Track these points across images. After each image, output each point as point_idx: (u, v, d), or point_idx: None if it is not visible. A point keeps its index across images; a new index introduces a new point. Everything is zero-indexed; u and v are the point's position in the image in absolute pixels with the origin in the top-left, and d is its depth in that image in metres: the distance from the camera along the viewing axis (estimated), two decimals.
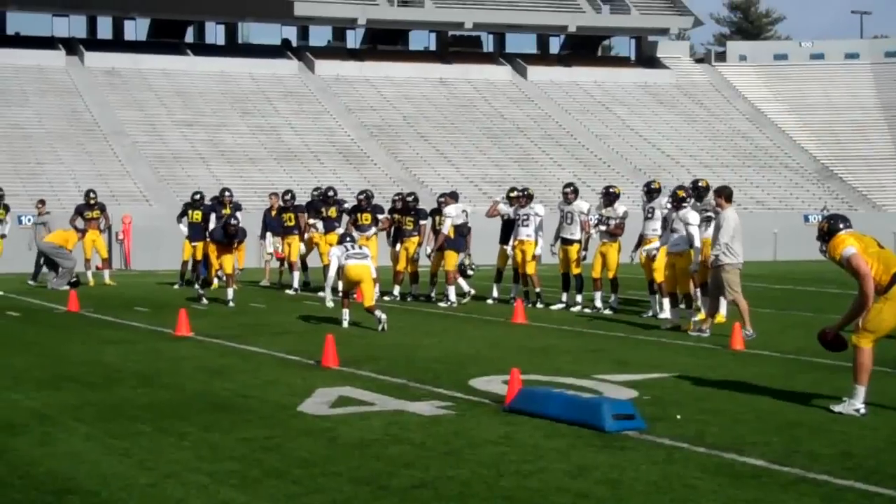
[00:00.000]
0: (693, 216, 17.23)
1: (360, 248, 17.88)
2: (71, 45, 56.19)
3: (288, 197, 25.37)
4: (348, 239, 18.22)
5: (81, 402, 10.59)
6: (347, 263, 17.28)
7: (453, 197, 22.66)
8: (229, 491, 7.27)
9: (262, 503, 7.00)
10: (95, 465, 7.98)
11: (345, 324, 17.22)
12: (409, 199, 23.31)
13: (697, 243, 17.09)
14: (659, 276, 18.48)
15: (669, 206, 18.01)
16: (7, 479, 7.56)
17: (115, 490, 7.27)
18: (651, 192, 19.75)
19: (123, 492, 7.22)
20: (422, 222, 23.08)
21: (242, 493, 7.23)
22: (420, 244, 22.86)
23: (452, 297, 21.65)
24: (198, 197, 26.20)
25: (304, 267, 25.51)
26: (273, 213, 25.91)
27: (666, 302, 18.15)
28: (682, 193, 17.63)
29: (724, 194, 16.48)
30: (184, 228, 25.96)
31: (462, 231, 22.03)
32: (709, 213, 18.21)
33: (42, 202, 28.94)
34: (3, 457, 8.21)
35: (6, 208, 25.41)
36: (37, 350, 14.78)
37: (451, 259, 21.79)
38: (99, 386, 11.62)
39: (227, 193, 26.05)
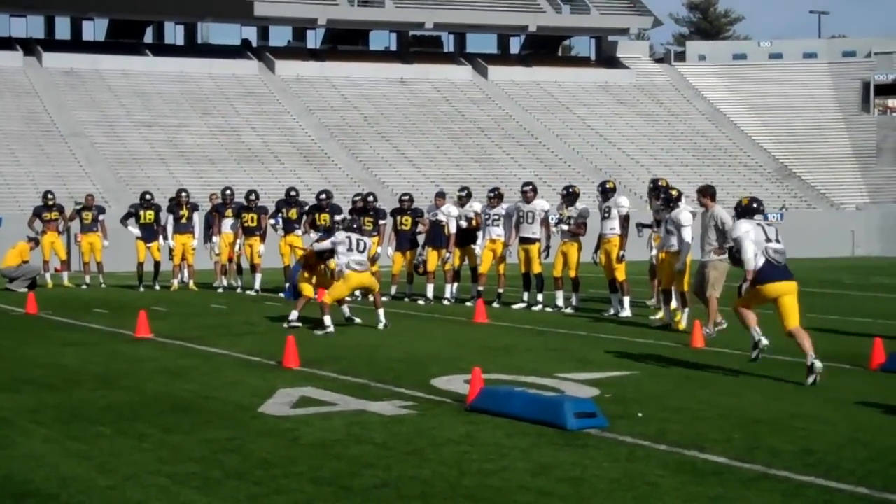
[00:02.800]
0: (685, 217, 17.23)
1: (362, 251, 17.24)
2: (28, 46, 55.81)
3: (252, 197, 25.26)
4: (356, 228, 18.18)
5: (40, 404, 10.50)
6: (351, 271, 17.01)
7: (443, 197, 22.62)
8: (190, 493, 7.21)
9: None
10: (54, 468, 7.90)
11: (331, 328, 16.82)
12: (369, 198, 23.30)
13: (687, 245, 17.08)
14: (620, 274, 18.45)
15: (661, 206, 18.05)
16: None
17: (74, 493, 7.20)
18: (606, 191, 19.80)
19: (83, 494, 7.15)
20: (381, 222, 23.06)
21: (203, 494, 7.18)
22: (380, 244, 22.85)
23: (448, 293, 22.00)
24: (148, 197, 26.04)
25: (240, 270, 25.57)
26: (228, 212, 25.50)
27: (625, 300, 18.19)
28: (674, 193, 17.67)
29: (710, 193, 16.51)
30: (133, 230, 25.79)
31: (440, 230, 22.07)
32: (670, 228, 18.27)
33: None
34: None
35: None
36: None
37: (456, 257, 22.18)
38: (58, 388, 11.51)
39: (183, 194, 25.94)
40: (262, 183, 41.94)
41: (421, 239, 22.86)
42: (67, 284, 26.85)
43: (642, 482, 7.46)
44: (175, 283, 25.65)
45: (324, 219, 23.35)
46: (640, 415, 9.77)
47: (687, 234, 17.01)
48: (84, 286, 26.45)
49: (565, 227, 20.16)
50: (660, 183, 19.10)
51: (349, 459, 8.12)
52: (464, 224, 21.82)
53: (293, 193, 24.84)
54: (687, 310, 17.43)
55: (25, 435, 9.09)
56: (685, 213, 17.26)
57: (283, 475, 7.65)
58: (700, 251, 16.35)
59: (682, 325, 17.07)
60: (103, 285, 26.44)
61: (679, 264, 16.98)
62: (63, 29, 60.37)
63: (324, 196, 23.78)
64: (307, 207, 24.51)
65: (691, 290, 16.68)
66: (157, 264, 25.69)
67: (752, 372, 12.67)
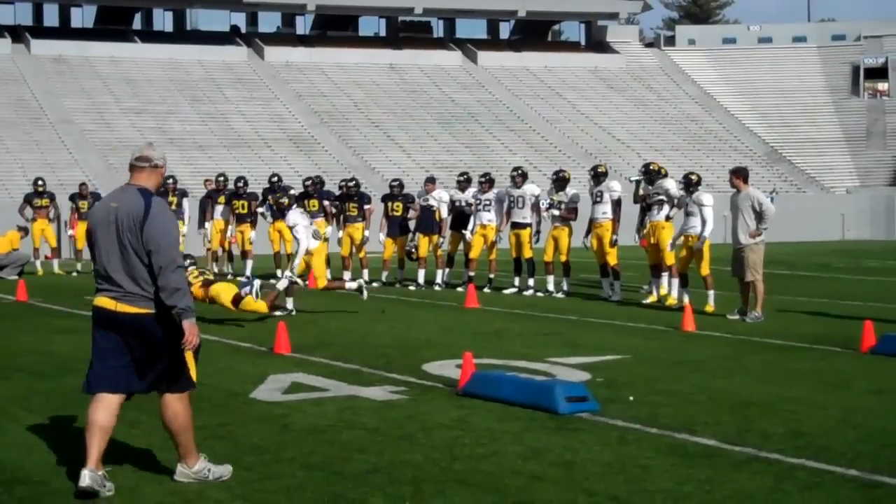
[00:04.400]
0: (707, 198, 17.30)
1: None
2: (17, 33, 55.62)
3: (241, 184, 25.21)
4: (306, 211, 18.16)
5: (30, 391, 10.49)
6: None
7: (433, 182, 22.60)
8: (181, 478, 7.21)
9: (215, 490, 6.95)
10: (45, 455, 7.90)
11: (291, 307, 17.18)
12: (351, 184, 23.30)
13: (711, 224, 17.12)
14: (669, 259, 18.35)
15: (682, 190, 18.07)
16: None
17: (65, 480, 7.20)
18: (598, 175, 19.81)
19: (74, 481, 7.14)
20: (366, 206, 23.06)
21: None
22: (366, 229, 22.89)
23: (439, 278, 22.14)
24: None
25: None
26: (222, 200, 25.57)
27: (675, 282, 18.18)
28: (694, 177, 17.69)
29: (743, 175, 16.47)
30: None
31: (432, 216, 22.06)
32: (661, 197, 18.32)
33: None
34: None
35: None
36: None
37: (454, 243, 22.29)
38: (48, 375, 11.51)
39: (170, 181, 25.86)
40: (252, 170, 41.86)
41: (412, 224, 22.86)
42: (58, 272, 26.80)
43: (633, 465, 7.48)
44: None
45: (313, 205, 23.33)
46: (631, 398, 9.79)
47: (709, 214, 17.08)
48: (75, 273, 26.40)
49: (556, 212, 20.17)
50: (651, 167, 19.12)
51: (341, 445, 8.13)
52: (467, 209, 21.79)
53: (275, 180, 24.88)
54: (680, 289, 17.52)
55: (16, 422, 9.08)
56: (707, 194, 17.40)
57: (275, 461, 7.66)
58: (733, 236, 16.35)
59: (673, 299, 17.25)
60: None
61: (699, 243, 17.04)
62: (51, 15, 60.27)
63: (309, 182, 23.78)
64: (292, 192, 24.47)
65: (733, 274, 16.52)
66: None
67: (743, 356, 12.70)
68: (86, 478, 6.82)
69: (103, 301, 7.02)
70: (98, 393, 7.09)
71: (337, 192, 23.97)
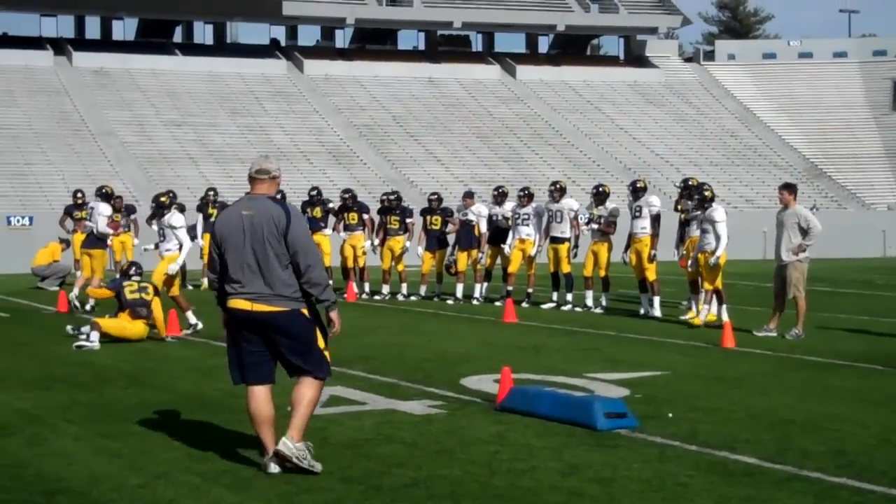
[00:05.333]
0: (719, 214, 17.18)
1: None
2: (59, 45, 56.08)
3: (278, 197, 25.24)
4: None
5: (71, 402, 10.55)
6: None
7: (472, 197, 22.61)
8: (221, 491, 7.23)
9: (254, 503, 6.96)
10: (85, 466, 7.93)
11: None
12: (392, 197, 23.35)
13: (725, 240, 17.02)
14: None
15: (693, 206, 17.97)
16: None
17: (105, 490, 7.23)
18: (637, 190, 19.73)
19: (114, 492, 7.18)
20: (408, 220, 23.11)
21: (234, 492, 7.19)
22: (409, 241, 22.95)
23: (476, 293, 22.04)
24: (172, 196, 25.95)
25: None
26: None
27: (655, 300, 18.14)
28: (708, 194, 17.60)
29: (793, 191, 16.36)
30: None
31: (471, 230, 22.06)
32: (696, 213, 18.22)
33: None
34: None
35: None
36: (26, 351, 14.71)
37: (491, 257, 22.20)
38: (89, 386, 11.57)
39: (211, 193, 25.99)
40: (291, 182, 41.98)
41: (451, 238, 22.88)
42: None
43: (673, 483, 7.44)
44: (204, 282, 25.67)
45: (352, 217, 23.40)
46: (670, 415, 9.73)
47: (723, 230, 16.96)
48: None
49: (595, 227, 20.13)
50: (690, 182, 19.04)
51: (379, 459, 8.13)
52: (503, 223, 21.77)
53: (314, 193, 24.91)
54: (719, 306, 17.41)
55: (57, 433, 9.13)
56: (719, 210, 17.25)
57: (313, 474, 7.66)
58: (776, 252, 16.24)
59: (699, 320, 17.13)
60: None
61: (713, 259, 16.94)
62: (93, 28, 60.66)
63: (348, 195, 23.85)
64: (330, 205, 24.56)
65: (775, 292, 16.39)
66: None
67: (784, 373, 12.61)
68: (270, 467, 7.64)
69: (239, 303, 7.71)
70: (249, 386, 7.84)
71: (376, 205, 24.01)
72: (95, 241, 20.24)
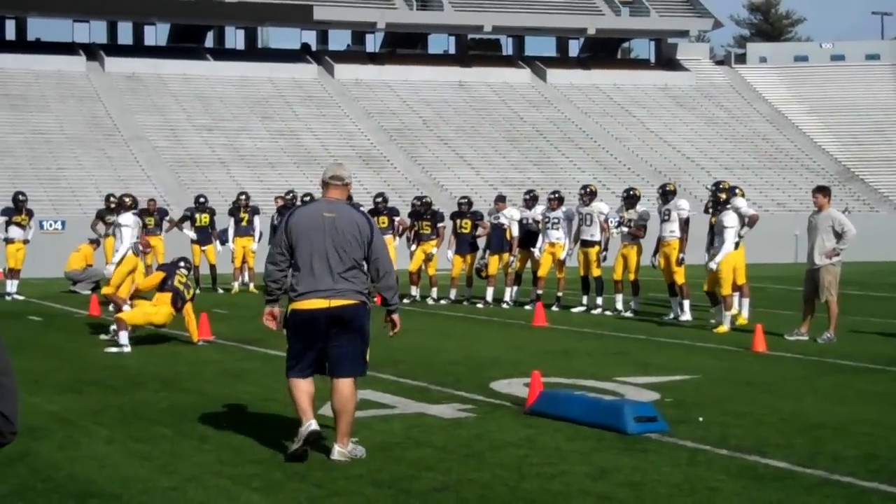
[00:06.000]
0: (728, 219, 17.14)
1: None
2: (91, 51, 56.40)
3: (308, 200, 25.32)
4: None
5: (103, 405, 10.61)
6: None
7: (503, 201, 22.59)
8: (251, 494, 7.26)
9: None
10: (117, 469, 7.98)
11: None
12: (418, 203, 23.42)
13: (729, 246, 17.00)
14: (741, 278, 18.22)
15: (711, 210, 17.94)
16: (29, 482, 7.57)
17: (136, 493, 7.27)
18: (666, 194, 19.69)
19: (145, 495, 7.22)
20: (439, 225, 23.15)
21: (264, 496, 7.22)
22: (438, 246, 23.00)
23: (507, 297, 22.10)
24: (202, 200, 26.18)
25: None
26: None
27: (745, 302, 18.10)
28: (722, 196, 17.56)
29: (827, 194, 16.29)
30: (189, 233, 25.92)
31: (502, 234, 22.06)
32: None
33: None
34: (25, 461, 8.22)
35: (30, 214, 25.25)
36: (58, 354, 14.81)
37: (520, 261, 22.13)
38: (120, 389, 11.63)
39: (242, 197, 26.10)
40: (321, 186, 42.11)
41: (481, 242, 22.89)
42: None
43: (703, 487, 7.41)
44: (236, 285, 25.81)
45: (382, 222, 23.43)
46: (700, 419, 9.70)
47: (729, 235, 16.93)
48: None
49: (625, 230, 20.10)
50: (722, 186, 18.98)
51: (409, 462, 8.14)
52: (533, 226, 21.76)
53: (378, 202, 24.88)
54: (723, 311, 17.37)
55: (88, 436, 9.18)
56: (730, 215, 17.19)
57: (343, 477, 7.68)
58: (809, 256, 16.18)
59: (724, 328, 17.04)
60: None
61: (712, 263, 16.92)
62: (125, 34, 60.97)
63: (380, 199, 23.88)
64: (361, 209, 24.57)
65: (805, 295, 16.31)
66: (212, 267, 25.81)
67: (815, 377, 12.55)
68: (335, 453, 8.15)
69: (316, 303, 8.14)
70: (295, 379, 8.29)
71: (407, 209, 24.04)
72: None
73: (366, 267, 8.36)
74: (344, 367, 8.27)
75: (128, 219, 17.77)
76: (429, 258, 22.98)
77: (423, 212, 23.24)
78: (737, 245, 17.41)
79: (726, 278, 17.10)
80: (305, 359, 8.30)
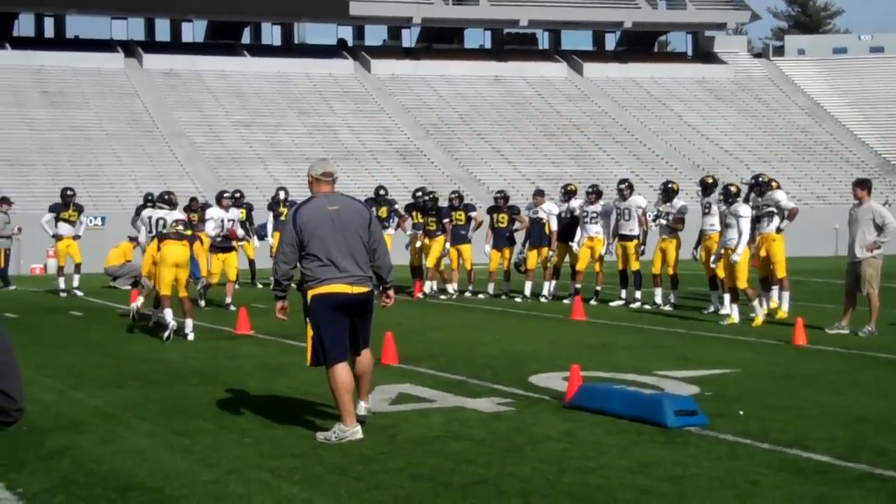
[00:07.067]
0: (744, 209, 17.11)
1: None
2: (129, 48, 56.75)
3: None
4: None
5: (144, 399, 10.67)
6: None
7: (542, 195, 22.55)
8: (291, 487, 7.28)
9: (324, 499, 7.00)
10: (158, 462, 8.02)
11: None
12: (427, 198, 23.46)
13: (746, 236, 16.97)
14: (780, 271, 18.18)
15: (721, 202, 17.87)
16: (72, 476, 7.62)
17: (177, 487, 7.30)
18: (706, 187, 19.60)
19: (186, 488, 7.25)
20: (472, 214, 23.27)
21: (304, 489, 7.24)
22: (446, 242, 23.13)
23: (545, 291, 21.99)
24: (238, 195, 25.96)
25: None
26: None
27: (786, 295, 18.09)
28: (733, 189, 17.50)
29: (868, 186, 16.21)
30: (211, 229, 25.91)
31: (541, 228, 22.03)
32: (771, 209, 18.08)
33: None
34: (67, 454, 8.28)
35: (78, 209, 25.03)
36: (99, 349, 14.91)
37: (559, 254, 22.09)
38: (161, 384, 11.70)
39: (282, 193, 26.15)
40: (359, 182, 42.22)
41: (518, 236, 22.88)
42: None
43: (744, 481, 7.38)
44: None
45: (419, 216, 23.45)
46: (741, 413, 9.65)
47: (745, 225, 16.88)
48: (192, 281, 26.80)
49: (663, 223, 20.03)
50: (760, 179, 18.89)
51: (448, 456, 8.14)
52: (567, 219, 21.73)
53: (382, 192, 24.97)
54: (731, 304, 17.31)
55: (130, 429, 9.24)
56: (744, 206, 17.16)
57: (383, 471, 7.69)
58: (850, 249, 16.09)
59: (762, 317, 16.98)
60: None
61: (735, 255, 16.85)
62: (163, 30, 61.35)
63: (420, 193, 23.90)
64: (396, 206, 24.71)
65: (847, 289, 16.27)
66: (251, 262, 25.88)
67: (856, 370, 12.46)
68: (357, 433, 8.60)
69: (340, 287, 8.74)
70: (338, 364, 8.74)
71: (445, 204, 24.04)
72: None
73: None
74: (365, 342, 9.05)
75: (178, 215, 17.98)
76: (445, 253, 23.02)
77: (430, 207, 23.31)
78: (751, 240, 17.42)
79: (742, 269, 17.07)
80: (337, 340, 8.78)
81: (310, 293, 8.80)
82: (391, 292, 9.36)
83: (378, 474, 7.59)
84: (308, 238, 8.75)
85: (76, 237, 24.55)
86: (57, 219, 24.53)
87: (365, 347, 9.07)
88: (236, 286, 21.35)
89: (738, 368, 12.46)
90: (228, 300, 20.48)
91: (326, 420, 9.42)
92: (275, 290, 9.19)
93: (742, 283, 17.22)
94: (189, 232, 16.95)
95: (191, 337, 15.68)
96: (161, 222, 17.70)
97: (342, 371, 8.72)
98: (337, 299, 8.74)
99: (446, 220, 23.14)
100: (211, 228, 20.68)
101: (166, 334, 15.50)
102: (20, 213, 30.25)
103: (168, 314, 15.65)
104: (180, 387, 11.49)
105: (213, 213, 20.89)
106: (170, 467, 7.86)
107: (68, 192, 24.83)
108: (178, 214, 18.68)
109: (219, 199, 21.17)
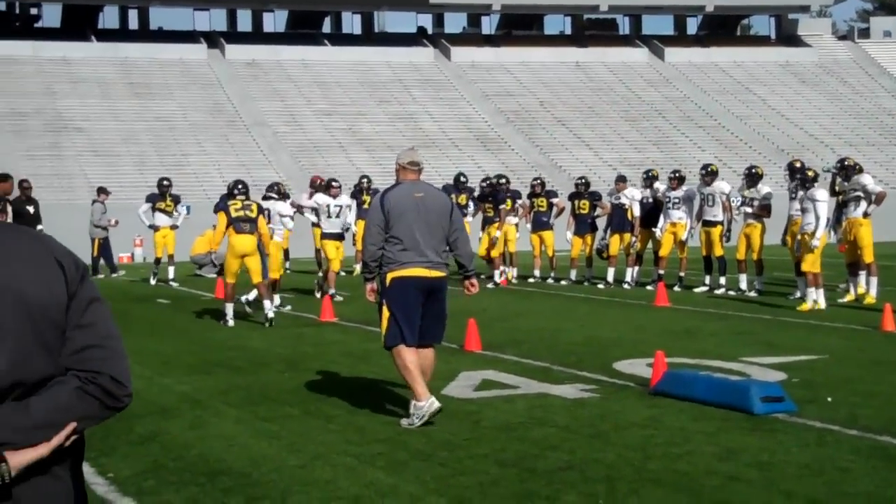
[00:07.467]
0: (820, 193, 16.88)
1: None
2: (212, 39, 57.28)
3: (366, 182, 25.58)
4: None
5: (230, 386, 10.79)
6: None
7: (624, 181, 22.42)
8: (377, 472, 7.32)
9: (409, 485, 7.03)
10: (245, 448, 8.11)
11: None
12: (484, 184, 23.42)
13: (823, 220, 16.75)
14: (868, 256, 17.98)
15: (798, 186, 17.66)
16: (161, 461, 7.73)
17: (265, 472, 7.38)
18: (794, 171, 19.35)
19: (274, 473, 7.33)
20: (553, 200, 23.24)
21: (390, 474, 7.28)
22: (499, 228, 22.97)
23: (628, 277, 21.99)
24: (321, 183, 25.97)
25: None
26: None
27: (874, 280, 17.90)
28: (811, 173, 17.27)
29: None
30: (310, 216, 25.95)
31: (624, 214, 21.92)
32: (857, 193, 17.82)
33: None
34: (157, 440, 8.40)
35: (175, 199, 24.89)
36: (186, 336, 15.10)
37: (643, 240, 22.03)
38: (246, 370, 11.82)
39: (365, 180, 26.26)
40: (440, 169, 42.27)
41: (600, 223, 22.78)
42: None
43: (833, 467, 7.29)
44: (357, 267, 25.99)
45: (505, 203, 23.34)
46: (829, 399, 9.54)
47: (822, 210, 16.64)
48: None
49: (748, 210, 19.80)
50: (847, 163, 18.62)
51: (532, 441, 8.14)
52: (651, 205, 21.60)
53: (462, 180, 24.96)
54: (819, 290, 17.04)
55: (217, 415, 9.35)
56: (821, 190, 16.91)
57: (468, 456, 7.71)
58: None
59: (811, 305, 16.75)
60: (288, 270, 26.92)
61: (815, 241, 16.62)
62: (245, 21, 61.85)
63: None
64: (475, 193, 24.70)
65: None
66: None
67: None
68: (434, 403, 8.73)
69: (418, 271, 8.97)
70: (409, 346, 8.91)
71: (527, 191, 24.00)
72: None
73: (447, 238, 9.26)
74: (433, 333, 9.13)
75: (286, 208, 18.16)
76: (493, 242, 22.85)
77: (489, 193, 23.31)
78: (836, 225, 17.19)
79: (817, 255, 16.86)
80: (412, 323, 8.93)
81: (389, 275, 9.00)
82: (474, 280, 9.53)
83: (463, 460, 7.61)
84: (394, 222, 8.99)
85: (173, 227, 24.63)
86: (154, 209, 24.65)
87: (432, 341, 9.16)
88: (341, 273, 21.26)
89: (826, 355, 12.31)
90: (332, 290, 20.14)
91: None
92: (363, 272, 9.35)
93: (807, 266, 16.98)
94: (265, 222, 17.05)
95: (271, 314, 16.01)
96: (267, 213, 17.81)
97: (408, 351, 8.90)
98: (415, 283, 8.96)
99: (502, 207, 23.11)
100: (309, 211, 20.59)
101: (227, 321, 16.01)
102: (108, 203, 30.63)
103: (229, 308, 15.91)
104: (266, 373, 11.60)
105: (320, 199, 20.69)
106: (257, 453, 7.94)
107: (164, 182, 24.79)
108: (286, 206, 18.80)
109: (328, 186, 21.05)
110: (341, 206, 20.08)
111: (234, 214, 16.22)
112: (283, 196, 18.77)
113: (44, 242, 2.82)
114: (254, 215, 16.26)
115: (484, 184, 23.69)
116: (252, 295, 17.55)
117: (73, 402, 2.72)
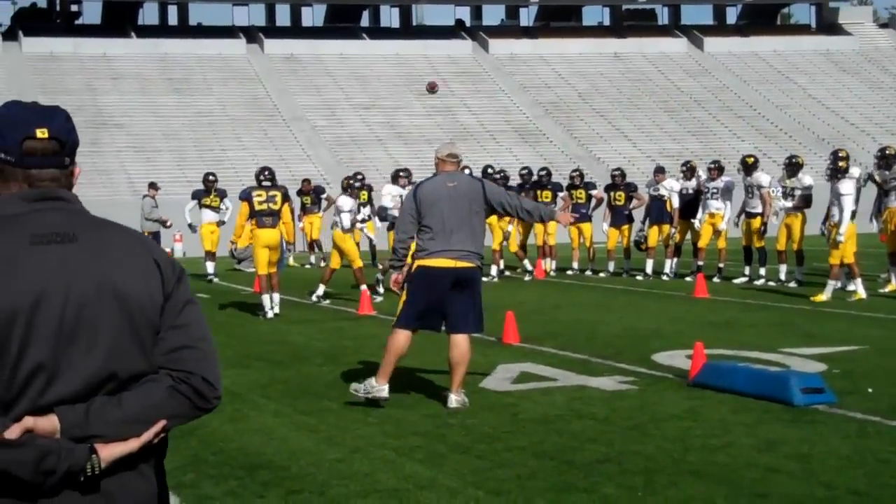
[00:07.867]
0: (844, 186, 16.68)
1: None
2: (251, 33, 57.47)
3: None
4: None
5: (269, 379, 10.83)
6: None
7: (663, 172, 22.32)
8: (415, 465, 7.33)
9: (448, 477, 7.03)
10: (284, 441, 8.14)
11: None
12: (497, 175, 23.17)
13: (847, 213, 16.57)
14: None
15: (828, 177, 17.50)
16: (201, 454, 7.77)
17: (304, 465, 7.40)
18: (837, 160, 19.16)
19: (313, 466, 7.35)
20: (592, 192, 23.17)
21: (428, 467, 7.28)
22: (511, 223, 22.85)
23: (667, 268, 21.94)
24: (360, 177, 25.62)
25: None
26: None
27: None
28: (842, 164, 17.10)
29: None
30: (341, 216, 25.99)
31: (662, 206, 21.81)
32: (893, 182, 17.67)
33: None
34: (196, 433, 8.43)
35: (221, 195, 24.75)
36: (225, 330, 15.14)
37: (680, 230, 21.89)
38: (286, 364, 11.86)
39: (402, 174, 26.20)
40: (478, 162, 42.10)
41: (638, 214, 22.70)
42: (292, 264, 27.54)
43: (874, 459, 7.24)
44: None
45: (545, 195, 23.18)
46: (870, 390, 9.47)
47: (847, 203, 16.46)
48: (308, 265, 27.15)
49: (787, 204, 19.66)
50: (888, 152, 18.45)
51: (571, 434, 8.13)
52: (690, 196, 21.49)
53: (490, 171, 24.85)
54: (857, 280, 16.89)
55: (256, 409, 9.39)
56: (847, 183, 16.69)
57: (506, 449, 7.71)
58: None
59: (822, 297, 16.62)
60: (323, 264, 27.00)
61: (840, 236, 16.46)
62: (283, 15, 62.03)
63: (543, 173, 23.77)
64: (511, 183, 24.60)
65: None
66: (371, 244, 25.96)
67: None
68: (384, 392, 9.09)
69: (444, 262, 9.05)
70: (406, 329, 9.19)
71: (566, 182, 23.93)
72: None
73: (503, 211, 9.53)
74: (464, 323, 9.21)
75: (345, 202, 18.23)
76: (506, 236, 22.68)
77: (530, 186, 23.30)
78: (878, 214, 17.04)
79: (842, 248, 16.70)
80: (421, 311, 9.13)
81: (416, 263, 9.20)
82: (559, 216, 10.09)
83: (501, 453, 7.61)
84: (425, 211, 9.14)
85: (220, 223, 24.56)
86: (200, 205, 24.66)
87: (465, 330, 9.24)
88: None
89: (867, 345, 12.22)
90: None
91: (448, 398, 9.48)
92: (391, 260, 9.53)
93: (833, 259, 16.84)
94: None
95: (276, 311, 16.36)
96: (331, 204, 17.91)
97: (403, 337, 9.18)
98: (439, 273, 9.09)
99: (594, 192, 23.23)
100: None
101: (265, 313, 16.36)
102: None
103: (266, 299, 16.29)
104: (305, 367, 11.64)
105: (391, 189, 20.44)
106: (296, 446, 7.97)
107: (210, 178, 24.74)
108: (348, 202, 18.68)
109: (395, 176, 20.93)
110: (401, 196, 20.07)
111: (257, 207, 16.22)
112: (347, 190, 18.86)
113: (143, 242, 2.87)
114: (277, 207, 16.23)
115: (497, 175, 23.51)
116: (321, 290, 17.99)
117: (165, 400, 2.77)
